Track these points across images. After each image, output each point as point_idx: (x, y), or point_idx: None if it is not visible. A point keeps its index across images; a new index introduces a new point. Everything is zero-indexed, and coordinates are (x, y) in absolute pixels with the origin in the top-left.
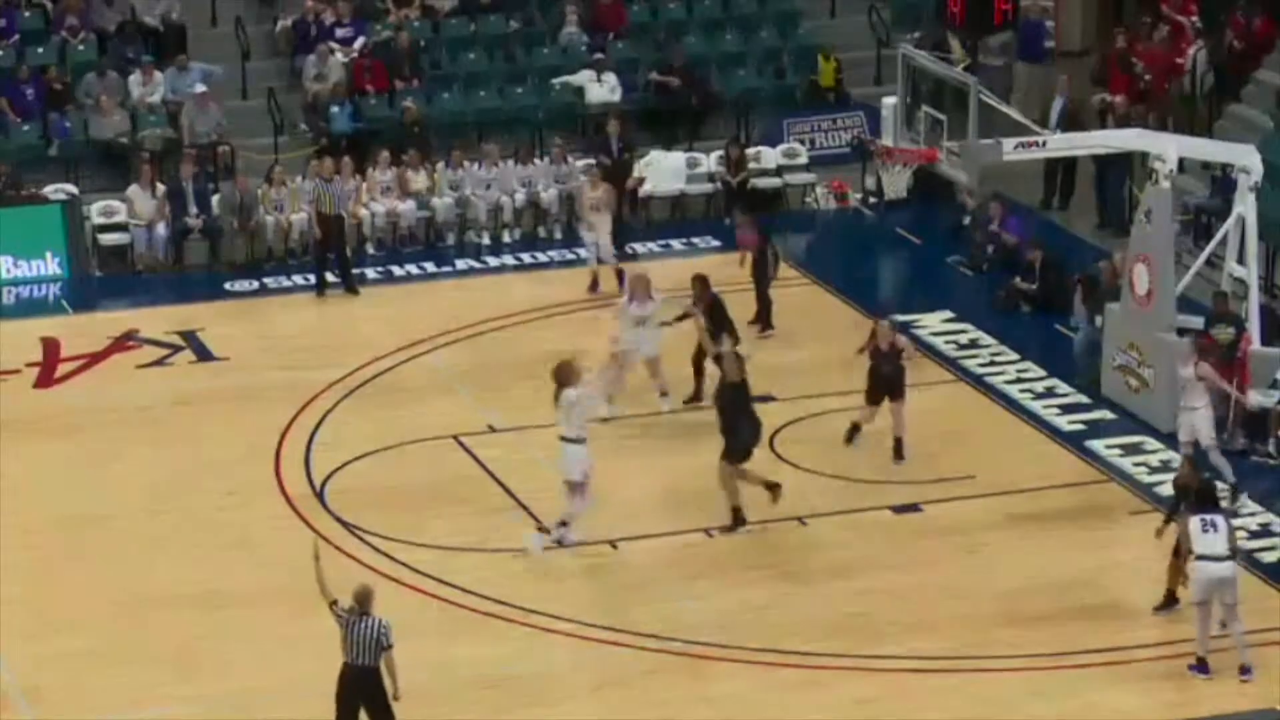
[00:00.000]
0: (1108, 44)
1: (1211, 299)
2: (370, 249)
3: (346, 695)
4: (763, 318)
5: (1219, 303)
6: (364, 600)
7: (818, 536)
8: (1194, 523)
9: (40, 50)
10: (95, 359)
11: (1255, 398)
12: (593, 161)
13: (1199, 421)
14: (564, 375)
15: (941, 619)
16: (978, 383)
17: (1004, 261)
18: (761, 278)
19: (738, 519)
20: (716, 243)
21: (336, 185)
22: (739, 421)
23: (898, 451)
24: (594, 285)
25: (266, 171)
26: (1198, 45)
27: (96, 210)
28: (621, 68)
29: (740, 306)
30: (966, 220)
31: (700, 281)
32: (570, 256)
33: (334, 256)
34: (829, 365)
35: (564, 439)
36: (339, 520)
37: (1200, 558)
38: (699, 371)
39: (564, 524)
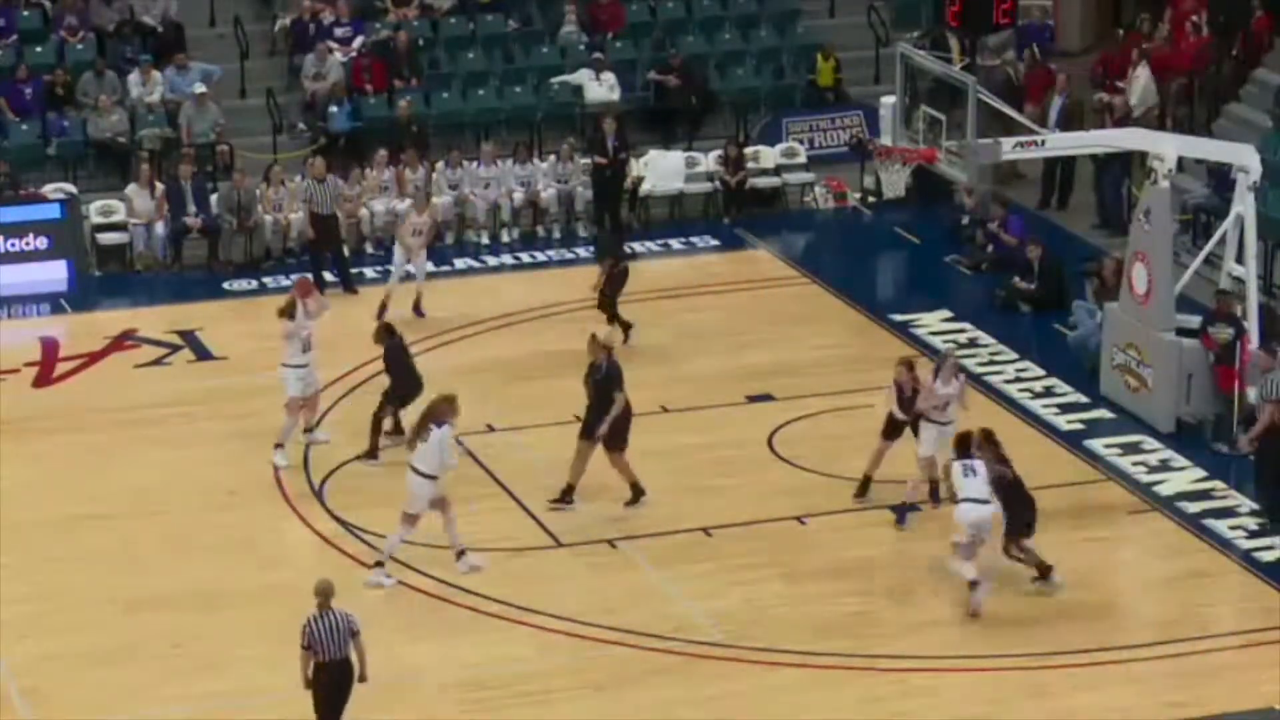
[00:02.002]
0: (1108, 44)
1: (1214, 298)
2: (369, 249)
3: (325, 695)
4: (625, 328)
5: (1221, 302)
6: (325, 594)
7: (818, 536)
8: (956, 468)
9: (39, 50)
10: (94, 358)
11: (1256, 396)
12: (589, 161)
13: (946, 433)
14: (440, 412)
15: (941, 619)
16: (977, 382)
17: (1004, 261)
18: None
19: (636, 492)
20: (715, 242)
21: (330, 185)
22: (609, 406)
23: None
24: (383, 309)
25: (265, 171)
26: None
27: (95, 209)
28: (620, 67)
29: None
30: (966, 220)
31: (380, 331)
32: (569, 256)
33: (332, 256)
34: (828, 365)
35: (419, 472)
36: (339, 520)
37: (964, 500)
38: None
39: (380, 563)
